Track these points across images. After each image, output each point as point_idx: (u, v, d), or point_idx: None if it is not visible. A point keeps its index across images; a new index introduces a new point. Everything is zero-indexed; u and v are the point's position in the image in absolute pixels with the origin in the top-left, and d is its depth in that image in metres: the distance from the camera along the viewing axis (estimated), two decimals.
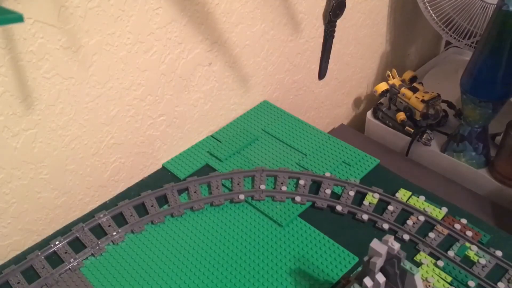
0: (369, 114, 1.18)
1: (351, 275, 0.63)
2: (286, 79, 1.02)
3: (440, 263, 0.66)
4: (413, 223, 0.71)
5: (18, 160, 0.66)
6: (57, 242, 0.71)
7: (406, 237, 0.70)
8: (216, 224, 0.74)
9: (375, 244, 0.51)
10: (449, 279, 0.65)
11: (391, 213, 0.73)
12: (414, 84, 1.10)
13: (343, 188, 0.77)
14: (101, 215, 0.74)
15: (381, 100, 1.17)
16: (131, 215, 0.74)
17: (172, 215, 0.75)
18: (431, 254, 0.68)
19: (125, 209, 0.75)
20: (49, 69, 0.63)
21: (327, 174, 0.79)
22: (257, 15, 0.86)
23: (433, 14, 1.11)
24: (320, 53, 1.06)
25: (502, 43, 0.84)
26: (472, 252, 0.67)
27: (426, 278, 0.64)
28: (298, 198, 0.75)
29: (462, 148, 1.01)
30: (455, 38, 1.12)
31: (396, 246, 0.51)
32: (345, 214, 0.74)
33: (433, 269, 0.66)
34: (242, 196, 0.76)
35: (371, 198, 0.75)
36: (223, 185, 0.79)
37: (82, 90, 0.68)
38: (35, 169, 0.69)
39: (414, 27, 1.33)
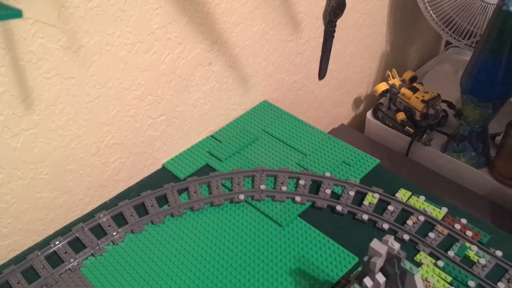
0: (369, 114, 1.18)
1: (351, 275, 0.63)
2: (286, 79, 1.02)
3: (440, 263, 0.66)
4: (413, 223, 0.71)
5: (18, 160, 0.66)
6: (57, 242, 0.71)
7: (406, 237, 0.70)
8: (216, 224, 0.74)
9: (375, 244, 0.51)
10: (449, 279, 0.65)
11: (391, 213, 0.73)
12: (414, 84, 1.10)
13: (343, 188, 0.77)
14: (101, 215, 0.74)
15: (381, 100, 1.17)
16: (131, 215, 0.74)
17: (172, 215, 0.75)
18: (431, 254, 0.68)
19: (125, 209, 0.75)
20: (49, 69, 0.63)
21: (327, 174, 0.79)
22: (257, 15, 0.86)
23: (433, 14, 1.11)
24: (320, 53, 1.06)
25: (502, 43, 0.84)
26: (472, 252, 0.67)
27: (426, 278, 0.64)
28: (298, 198, 0.75)
29: (462, 148, 1.01)
30: (455, 38, 1.12)
31: (396, 246, 0.51)
32: (345, 214, 0.74)
33: (433, 269, 0.66)
34: (242, 196, 0.76)
35: (371, 198, 0.75)
36: (223, 185, 0.79)
37: (82, 90, 0.68)
38: (35, 169, 0.69)
39: (414, 27, 1.33)
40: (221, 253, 0.70)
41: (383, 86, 1.12)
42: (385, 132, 1.14)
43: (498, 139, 1.02)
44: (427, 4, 1.10)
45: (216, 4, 0.78)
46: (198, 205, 0.76)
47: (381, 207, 0.74)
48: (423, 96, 1.05)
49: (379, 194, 0.75)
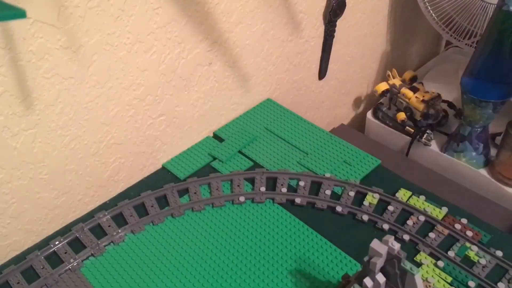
0: (369, 114, 1.18)
1: (351, 275, 0.63)
2: (286, 79, 1.02)
3: (440, 263, 0.66)
4: (413, 223, 0.71)
5: (18, 160, 0.66)
6: (57, 242, 0.71)
7: (406, 237, 0.70)
8: (216, 226, 0.74)
9: (375, 244, 0.51)
10: (449, 279, 0.65)
11: (391, 213, 0.73)
12: (414, 84, 1.10)
13: (343, 188, 0.77)
14: (101, 215, 0.74)
15: (381, 100, 1.17)
16: (131, 215, 0.74)
17: (172, 216, 0.75)
18: (431, 254, 0.68)
19: (125, 209, 0.75)
20: (49, 69, 0.63)
21: (327, 175, 0.79)
22: (257, 15, 0.86)
23: (433, 14, 1.11)
24: (320, 53, 1.06)
25: (502, 43, 0.84)
26: (472, 252, 0.67)
27: (426, 278, 0.64)
28: (298, 200, 0.75)
29: (462, 148, 1.01)
30: (455, 38, 1.12)
31: (396, 246, 0.51)
32: (345, 215, 0.74)
33: (433, 269, 0.66)
34: (242, 198, 0.76)
35: (371, 199, 0.75)
36: (223, 186, 0.79)
37: (82, 90, 0.68)
38: (34, 169, 0.68)
39: (414, 27, 1.33)
40: (221, 254, 0.70)
41: (383, 86, 1.12)
42: (385, 132, 1.14)
43: (498, 139, 1.02)
44: (427, 4, 1.10)
45: (216, 4, 0.78)
46: (198, 206, 0.75)
47: (381, 207, 0.74)
48: (423, 96, 1.05)
49: (379, 194, 0.75)
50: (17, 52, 0.59)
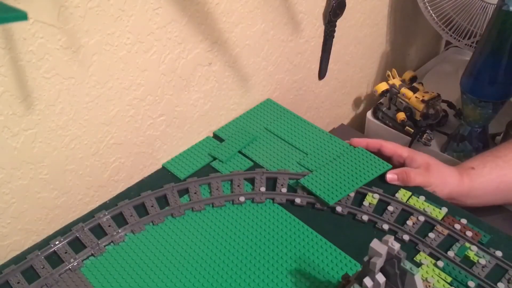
0: (369, 114, 1.18)
1: (351, 275, 0.63)
2: (286, 79, 1.02)
3: (440, 263, 0.66)
4: (413, 224, 0.71)
5: (18, 160, 0.66)
6: (57, 242, 0.71)
7: (406, 237, 0.70)
8: (216, 226, 0.74)
9: (375, 244, 0.51)
10: (449, 279, 0.65)
11: (391, 213, 0.73)
12: (414, 84, 1.10)
13: None
14: (101, 215, 0.74)
15: (381, 100, 1.17)
16: (131, 215, 0.74)
17: (172, 216, 0.75)
18: (431, 255, 0.68)
19: (125, 209, 0.75)
20: (49, 69, 0.63)
21: None
22: (257, 15, 0.86)
23: (433, 14, 1.11)
24: (320, 53, 1.06)
25: (502, 43, 0.84)
26: (472, 252, 0.67)
27: (426, 278, 0.64)
28: (298, 200, 0.75)
29: (462, 148, 1.01)
30: (455, 38, 1.12)
31: (396, 246, 0.51)
32: (345, 215, 0.74)
33: (433, 270, 0.66)
34: (242, 198, 0.76)
35: (371, 199, 0.75)
36: (223, 186, 0.79)
37: (82, 90, 0.68)
38: (34, 169, 0.69)
39: (414, 27, 1.33)
40: (221, 254, 0.70)
41: (383, 86, 1.12)
42: (385, 132, 1.14)
43: (498, 139, 1.02)
44: (427, 4, 1.10)
45: (216, 4, 0.78)
46: (198, 206, 0.76)
47: (381, 207, 0.74)
48: (423, 96, 1.05)
49: (379, 194, 0.75)
50: (17, 52, 0.59)
